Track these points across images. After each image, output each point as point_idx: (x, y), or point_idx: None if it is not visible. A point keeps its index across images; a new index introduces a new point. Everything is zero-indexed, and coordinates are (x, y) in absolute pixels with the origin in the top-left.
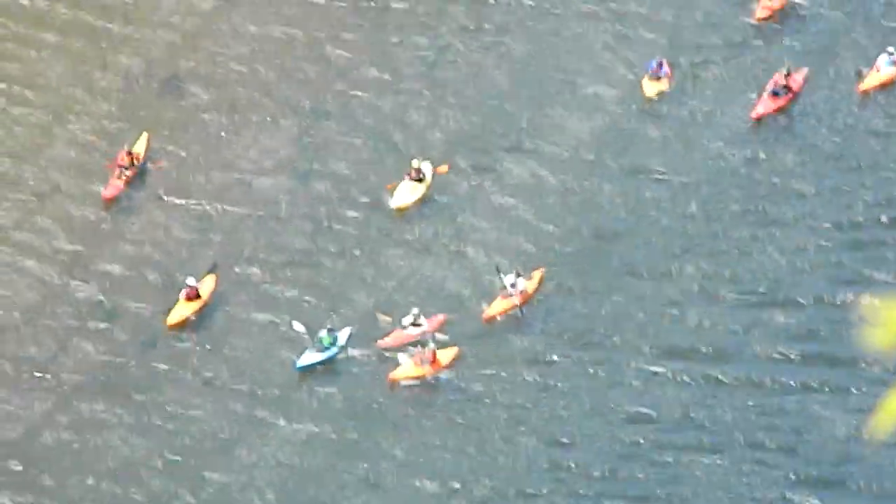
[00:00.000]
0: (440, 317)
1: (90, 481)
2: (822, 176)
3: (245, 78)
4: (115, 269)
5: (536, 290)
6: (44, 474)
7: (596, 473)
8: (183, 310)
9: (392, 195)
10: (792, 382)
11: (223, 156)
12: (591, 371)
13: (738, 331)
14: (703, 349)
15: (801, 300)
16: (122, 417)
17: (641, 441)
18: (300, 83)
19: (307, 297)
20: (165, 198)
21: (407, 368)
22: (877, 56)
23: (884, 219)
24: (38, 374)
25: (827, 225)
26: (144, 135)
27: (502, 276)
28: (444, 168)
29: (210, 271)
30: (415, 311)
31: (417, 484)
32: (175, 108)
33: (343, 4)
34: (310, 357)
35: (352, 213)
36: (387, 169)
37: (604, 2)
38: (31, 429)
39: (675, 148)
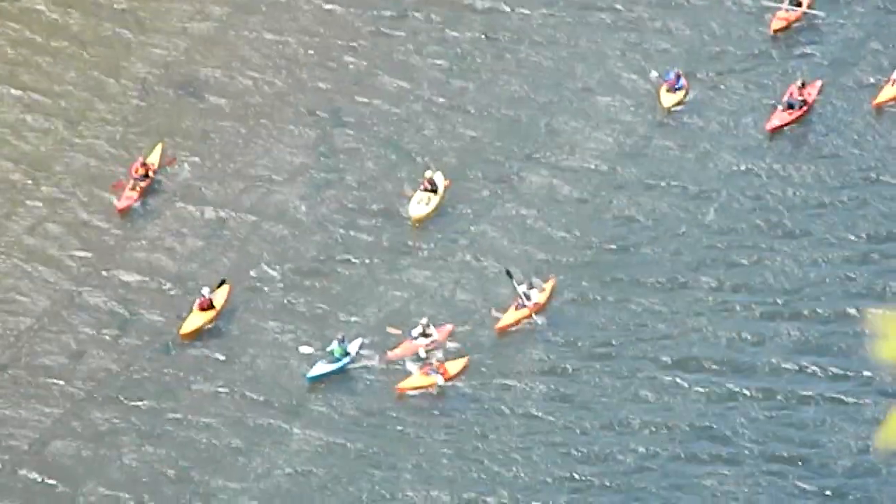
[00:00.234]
0: (448, 327)
1: (102, 489)
2: (837, 188)
3: (259, 86)
4: (130, 277)
5: (549, 299)
6: (56, 482)
7: (609, 483)
8: (196, 319)
9: (408, 200)
10: (806, 394)
11: (237, 164)
12: (605, 382)
13: (752, 342)
14: (718, 360)
15: (815, 312)
16: (134, 426)
17: (655, 452)
18: (315, 91)
19: (320, 307)
20: (179, 207)
21: (415, 378)
22: (892, 69)
23: None
24: (51, 382)
25: (841, 237)
26: (159, 145)
27: (515, 283)
28: (446, 182)
29: (220, 285)
30: (423, 321)
31: (429, 494)
32: (189, 117)
33: (358, 13)
34: (321, 367)
35: (366, 223)
36: (401, 179)
37: (619, 12)
38: (44, 436)
39: (690, 159)
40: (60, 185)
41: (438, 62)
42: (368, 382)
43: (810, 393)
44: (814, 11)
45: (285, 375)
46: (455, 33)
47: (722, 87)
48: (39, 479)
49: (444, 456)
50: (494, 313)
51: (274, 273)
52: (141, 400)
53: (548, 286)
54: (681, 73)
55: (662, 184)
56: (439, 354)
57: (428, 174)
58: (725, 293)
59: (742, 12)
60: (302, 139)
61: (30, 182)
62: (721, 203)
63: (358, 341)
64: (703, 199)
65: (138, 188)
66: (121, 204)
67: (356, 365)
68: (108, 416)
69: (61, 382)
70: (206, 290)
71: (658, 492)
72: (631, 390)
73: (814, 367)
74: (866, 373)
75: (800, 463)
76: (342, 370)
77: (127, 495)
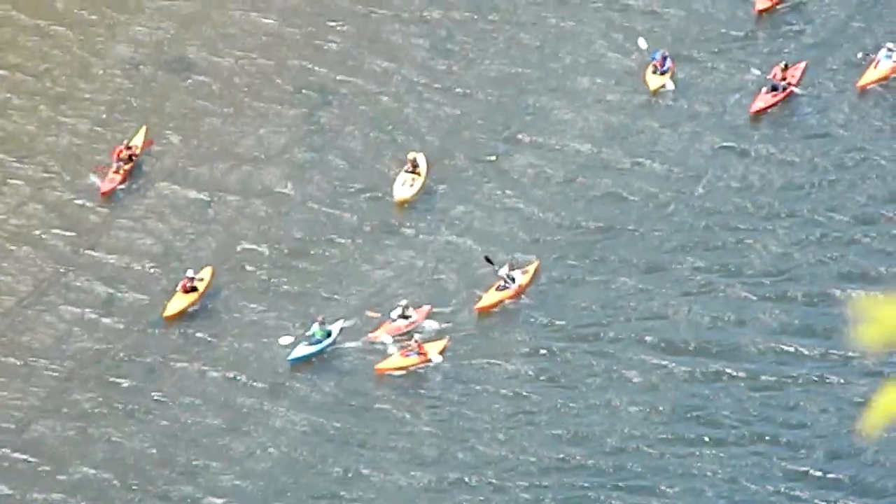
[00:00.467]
0: (426, 307)
1: (86, 469)
2: (821, 171)
3: (244, 66)
4: (113, 259)
5: (531, 281)
6: (40, 463)
7: (593, 464)
8: (180, 301)
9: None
10: (790, 375)
11: (222, 145)
12: (589, 362)
13: (737, 323)
14: (702, 341)
15: (800, 293)
16: (118, 406)
17: (640, 433)
18: (300, 71)
19: (304, 289)
20: (163, 188)
21: (394, 359)
22: (877, 51)
23: (882, 214)
24: (34, 362)
25: (826, 219)
26: (143, 128)
27: (495, 266)
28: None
29: (203, 268)
30: (403, 302)
31: (413, 474)
32: (174, 97)
33: None
34: (302, 349)
35: (350, 203)
36: (385, 160)
37: None
38: (27, 418)
39: (675, 140)
40: (45, 165)
41: (423, 42)
42: (350, 364)
43: (795, 374)
44: None
45: (268, 357)
46: (439, 15)
47: (707, 67)
48: (23, 459)
49: (429, 436)
50: (477, 298)
51: (258, 254)
52: (125, 380)
53: (531, 268)
54: (667, 54)
55: (647, 165)
56: (417, 336)
57: (411, 156)
58: (710, 274)
59: None
60: (285, 121)
61: (14, 161)
62: (706, 184)
63: (339, 323)
64: (688, 180)
65: (122, 171)
66: (104, 187)
67: (338, 346)
68: (90, 396)
69: (45, 362)
70: (189, 272)
71: (643, 472)
72: (615, 371)
73: (798, 349)
74: (851, 354)
75: (784, 444)
76: (323, 351)
77: (111, 475)
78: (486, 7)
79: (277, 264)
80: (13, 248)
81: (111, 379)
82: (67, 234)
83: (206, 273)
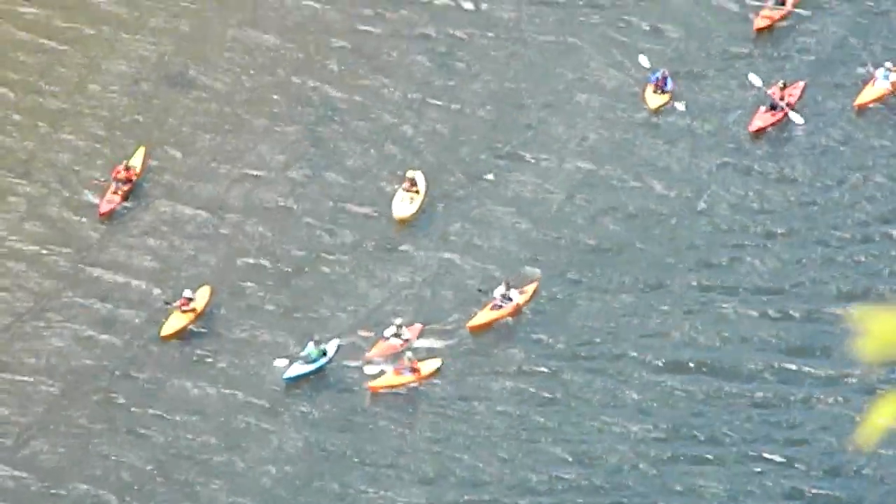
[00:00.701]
0: (418, 326)
1: (83, 486)
2: (820, 188)
3: (242, 84)
4: (110, 278)
5: (528, 301)
6: (37, 480)
7: (592, 484)
8: (177, 321)
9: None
10: (790, 393)
11: (220, 163)
12: (586, 382)
13: (735, 342)
14: (701, 360)
15: (799, 312)
16: (115, 425)
17: (638, 452)
18: (298, 89)
19: (301, 308)
20: (162, 206)
21: (388, 378)
22: (875, 69)
23: (880, 232)
24: (31, 380)
25: (825, 237)
26: (142, 149)
27: (490, 294)
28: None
29: (200, 287)
30: (397, 321)
31: (409, 492)
32: (172, 116)
33: (342, 10)
34: (297, 368)
35: (348, 223)
36: (383, 178)
37: (604, 10)
38: (23, 436)
39: (675, 158)
40: (43, 182)
41: (422, 59)
42: (347, 382)
43: (795, 392)
44: (798, 10)
45: (265, 375)
46: (437, 33)
47: (706, 84)
48: (20, 476)
49: (425, 453)
50: (471, 316)
51: (256, 272)
52: (122, 398)
53: (530, 288)
54: (668, 74)
55: (646, 182)
56: (409, 354)
57: (410, 174)
58: (710, 292)
59: (725, 11)
60: (284, 140)
61: (12, 178)
62: (705, 201)
63: (335, 342)
64: (688, 197)
65: (121, 192)
66: (103, 208)
67: (333, 365)
68: (87, 415)
69: (43, 379)
70: (187, 291)
71: (642, 491)
72: (614, 389)
73: (799, 367)
74: (851, 372)
75: (784, 462)
76: (319, 371)
77: (107, 492)
78: (485, 24)
79: (276, 282)
80: (11, 264)
81: (109, 396)
82: (66, 250)
83: (205, 292)
